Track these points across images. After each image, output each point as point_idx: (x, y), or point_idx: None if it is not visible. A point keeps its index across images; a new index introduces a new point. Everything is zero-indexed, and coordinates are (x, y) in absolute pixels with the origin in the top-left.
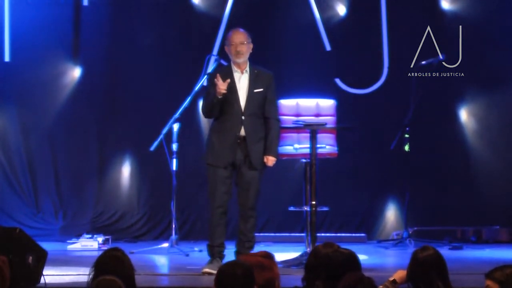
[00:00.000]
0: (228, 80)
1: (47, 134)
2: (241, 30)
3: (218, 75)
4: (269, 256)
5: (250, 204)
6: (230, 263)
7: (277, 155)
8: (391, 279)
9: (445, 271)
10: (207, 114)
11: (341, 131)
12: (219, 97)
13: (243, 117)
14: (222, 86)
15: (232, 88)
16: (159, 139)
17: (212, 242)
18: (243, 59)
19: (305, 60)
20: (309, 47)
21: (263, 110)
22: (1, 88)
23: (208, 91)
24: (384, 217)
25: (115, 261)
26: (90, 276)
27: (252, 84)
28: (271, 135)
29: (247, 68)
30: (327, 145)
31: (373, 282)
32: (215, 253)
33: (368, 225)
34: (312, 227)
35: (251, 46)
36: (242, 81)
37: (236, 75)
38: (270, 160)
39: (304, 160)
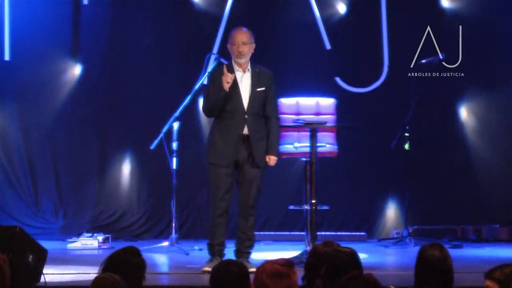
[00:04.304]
0: (233, 75)
1: (47, 133)
2: (245, 29)
3: (225, 67)
4: (288, 264)
5: (251, 203)
6: (225, 262)
7: (278, 154)
8: None
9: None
10: (209, 112)
11: (341, 129)
12: (226, 90)
13: (246, 116)
14: (229, 77)
15: (234, 86)
16: (159, 138)
17: (212, 241)
18: (245, 59)
19: (305, 58)
20: (309, 45)
21: (264, 109)
22: (1, 87)
23: (208, 91)
24: (384, 215)
25: (126, 262)
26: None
27: (255, 83)
28: (273, 135)
29: (249, 67)
30: (327, 144)
31: (376, 280)
32: (216, 251)
33: (368, 224)
34: (312, 225)
35: (253, 46)
36: (244, 80)
37: (238, 74)
38: (272, 160)
39: (304, 159)
